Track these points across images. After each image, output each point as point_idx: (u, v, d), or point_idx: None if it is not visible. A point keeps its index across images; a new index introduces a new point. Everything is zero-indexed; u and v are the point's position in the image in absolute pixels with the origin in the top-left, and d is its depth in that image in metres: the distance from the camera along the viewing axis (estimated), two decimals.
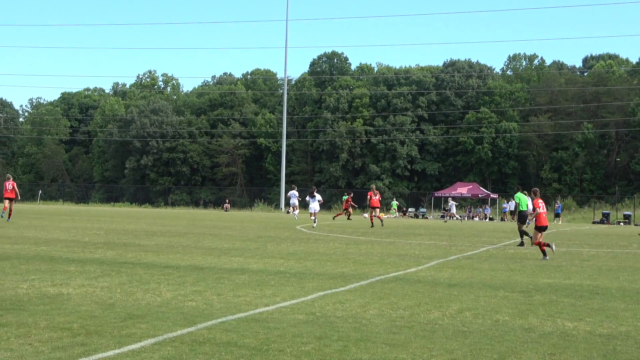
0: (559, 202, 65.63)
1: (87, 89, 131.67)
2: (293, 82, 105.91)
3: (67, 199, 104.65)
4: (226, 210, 78.10)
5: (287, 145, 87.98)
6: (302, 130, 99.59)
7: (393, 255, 18.23)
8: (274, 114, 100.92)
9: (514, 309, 9.79)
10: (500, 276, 14.06)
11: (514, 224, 52.22)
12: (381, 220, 38.88)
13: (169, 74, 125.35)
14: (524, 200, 25.13)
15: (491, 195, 73.41)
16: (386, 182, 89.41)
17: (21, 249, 17.09)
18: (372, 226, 36.09)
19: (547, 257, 18.57)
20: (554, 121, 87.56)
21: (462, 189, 72.66)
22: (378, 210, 37.48)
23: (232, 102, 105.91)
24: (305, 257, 16.94)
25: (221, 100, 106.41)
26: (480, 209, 73.33)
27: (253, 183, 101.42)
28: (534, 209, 19.69)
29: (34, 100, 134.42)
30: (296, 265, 14.97)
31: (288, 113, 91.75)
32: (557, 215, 62.29)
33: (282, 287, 11.39)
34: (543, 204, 19.76)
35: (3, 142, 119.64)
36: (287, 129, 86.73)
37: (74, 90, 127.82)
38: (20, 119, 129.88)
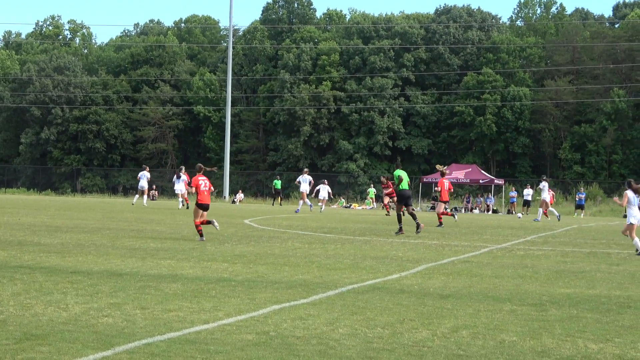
0: (581, 190, 66.33)
1: None
2: (240, 33, 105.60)
3: None
4: (153, 199, 77.79)
5: (232, 115, 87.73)
6: (253, 96, 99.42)
7: (369, 258, 18.29)
8: (215, 74, 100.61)
9: (523, 327, 9.88)
10: (507, 285, 14.18)
11: (524, 218, 52.62)
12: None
13: (78, 21, 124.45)
14: (406, 178, 28.48)
15: (495, 181, 73.87)
16: (361, 163, 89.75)
17: None
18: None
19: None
20: (575, 86, 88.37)
21: (459, 173, 72.97)
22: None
23: (160, 58, 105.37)
24: (256, 260, 16.94)
25: (147, 56, 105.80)
26: (481, 199, 73.88)
27: (188, 164, 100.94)
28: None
29: None
30: (244, 271, 14.96)
31: (234, 73, 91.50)
32: (579, 207, 62.91)
33: (225, 298, 11.38)
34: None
35: None
36: (232, 93, 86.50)
37: None
38: None
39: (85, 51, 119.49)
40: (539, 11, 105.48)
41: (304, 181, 48.07)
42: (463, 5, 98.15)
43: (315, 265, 16.41)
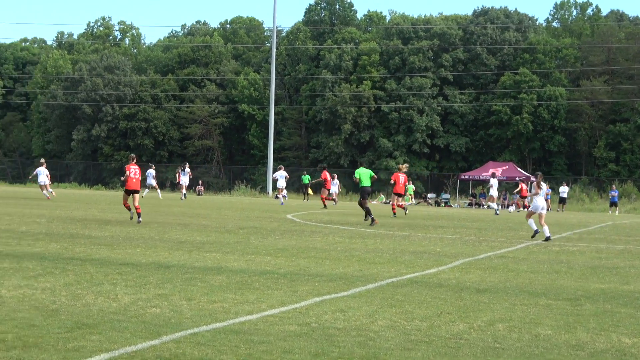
0: (614, 187, 65.73)
1: (25, 40, 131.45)
2: (284, 34, 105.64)
3: None
4: (199, 194, 78.10)
5: (276, 114, 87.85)
6: (295, 95, 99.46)
7: (408, 253, 18.27)
8: (259, 73, 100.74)
9: (558, 321, 9.82)
10: (542, 280, 14.10)
11: (560, 215, 52.25)
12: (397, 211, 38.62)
13: (128, 22, 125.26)
14: (366, 175, 31.59)
15: (531, 179, 73.39)
16: (400, 160, 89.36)
17: None
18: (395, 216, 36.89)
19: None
20: (611, 86, 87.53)
21: (496, 170, 72.58)
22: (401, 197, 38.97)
23: (207, 58, 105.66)
24: (298, 254, 16.97)
25: (193, 56, 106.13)
26: (518, 196, 73.36)
27: (233, 160, 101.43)
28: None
29: None
30: (286, 264, 15.00)
31: (277, 73, 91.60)
32: (613, 204, 62.41)
33: (268, 290, 11.42)
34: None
35: None
36: (276, 93, 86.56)
37: (8, 42, 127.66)
38: None
39: (135, 51, 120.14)
40: (574, 13, 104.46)
41: (281, 177, 51.80)
42: (500, 7, 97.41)
43: (355, 259, 16.42)
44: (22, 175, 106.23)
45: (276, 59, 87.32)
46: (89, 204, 40.25)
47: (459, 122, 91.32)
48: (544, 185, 24.78)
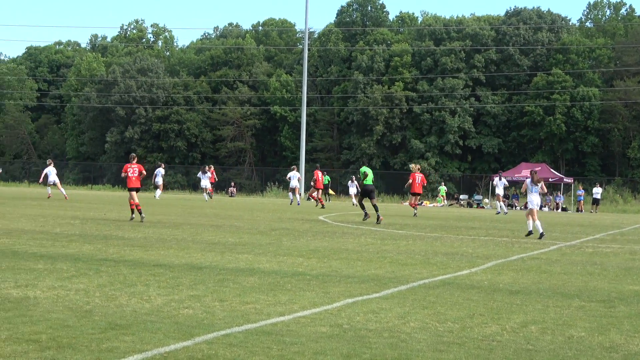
0: None
1: (59, 43, 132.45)
2: (316, 36, 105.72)
3: (33, 179, 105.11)
4: (231, 196, 78.33)
5: (308, 115, 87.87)
6: (327, 97, 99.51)
7: (440, 254, 18.23)
8: (291, 75, 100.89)
9: (591, 323, 9.76)
10: (575, 281, 14.02)
11: (593, 216, 51.89)
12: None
13: (161, 25, 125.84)
14: (371, 174, 31.75)
15: (565, 180, 73.03)
16: (432, 161, 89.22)
17: None
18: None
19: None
20: None
21: (528, 171, 72.26)
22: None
23: (239, 60, 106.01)
24: (330, 255, 16.98)
25: (225, 58, 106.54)
26: (551, 197, 73.00)
27: (265, 162, 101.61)
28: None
29: None
30: (318, 265, 15.01)
31: (309, 74, 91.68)
32: None
33: (300, 292, 11.43)
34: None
35: None
36: (308, 94, 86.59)
37: (42, 45, 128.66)
38: None
39: (168, 53, 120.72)
40: (608, 13, 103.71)
41: (293, 177, 52.87)
42: (533, 7, 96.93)
43: (387, 260, 16.40)
44: (57, 177, 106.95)
45: (308, 61, 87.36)
46: (122, 206, 40.42)
47: (491, 123, 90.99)
48: (539, 183, 25.31)
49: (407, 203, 67.35)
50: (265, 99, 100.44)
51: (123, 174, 28.02)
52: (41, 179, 49.81)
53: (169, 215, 31.56)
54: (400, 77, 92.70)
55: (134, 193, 27.51)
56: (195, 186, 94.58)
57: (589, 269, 16.07)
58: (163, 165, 57.99)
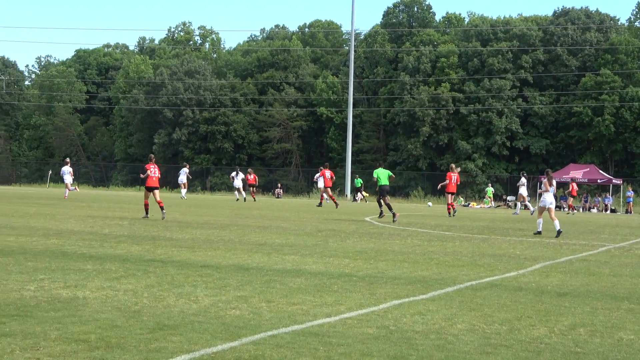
0: None
1: (107, 46, 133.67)
2: (362, 37, 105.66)
3: (82, 181, 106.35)
4: (278, 197, 78.56)
5: (354, 117, 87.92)
6: (373, 98, 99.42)
7: (487, 256, 18.13)
8: (337, 76, 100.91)
9: None
10: (625, 283, 13.88)
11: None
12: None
13: (208, 27, 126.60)
14: (384, 175, 33.44)
15: (613, 181, 72.35)
16: (479, 162, 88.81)
17: (27, 243, 17.44)
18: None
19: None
20: None
21: (577, 173, 71.74)
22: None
23: (285, 62, 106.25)
24: (377, 257, 16.95)
25: (272, 60, 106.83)
26: (600, 198, 72.35)
27: (311, 163, 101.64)
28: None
29: (42, 59, 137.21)
30: (365, 267, 15.00)
31: (355, 76, 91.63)
32: None
33: (347, 293, 11.43)
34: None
35: (5, 110, 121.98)
36: (354, 95, 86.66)
37: (91, 47, 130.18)
38: (26, 82, 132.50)
39: (215, 55, 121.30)
40: None
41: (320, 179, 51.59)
42: (581, 7, 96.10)
43: (434, 262, 16.35)
44: (105, 178, 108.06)
45: (354, 62, 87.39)
46: (170, 207, 40.66)
47: (539, 124, 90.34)
48: (554, 183, 26.67)
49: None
50: (312, 100, 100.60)
51: (142, 175, 29.08)
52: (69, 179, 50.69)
53: (216, 217, 31.71)
54: (447, 78, 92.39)
55: (157, 192, 28.74)
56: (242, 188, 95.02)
57: (639, 271, 15.91)
58: (187, 166, 60.06)
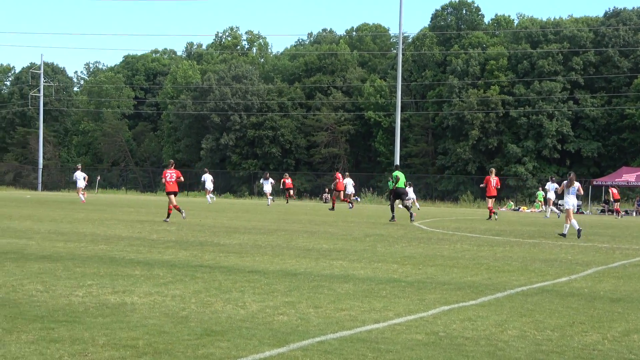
0: None
1: (155, 51, 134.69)
2: (410, 40, 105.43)
3: (130, 186, 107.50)
4: (325, 202, 78.58)
5: (402, 120, 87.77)
6: (422, 101, 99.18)
7: (538, 261, 17.99)
8: (385, 80, 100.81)
9: None
10: None
11: None
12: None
13: (255, 32, 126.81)
14: (403, 178, 34.67)
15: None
16: (529, 166, 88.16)
17: (76, 248, 17.63)
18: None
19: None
20: None
21: (629, 176, 70.98)
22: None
23: (333, 66, 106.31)
24: (426, 262, 16.91)
25: (319, 64, 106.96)
26: (612, 200, 71.46)
27: (359, 167, 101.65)
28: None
29: (91, 66, 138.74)
30: (414, 272, 14.96)
31: (404, 79, 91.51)
32: None
33: (395, 299, 11.40)
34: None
35: (54, 116, 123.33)
36: (402, 99, 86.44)
37: (139, 53, 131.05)
38: (75, 89, 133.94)
39: (262, 60, 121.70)
40: None
41: (349, 184, 55.42)
42: (633, 8, 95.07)
43: (483, 267, 16.26)
44: (153, 184, 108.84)
45: (402, 66, 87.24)
46: (217, 212, 40.98)
47: (590, 127, 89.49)
48: (576, 184, 27.55)
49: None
50: (359, 104, 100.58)
51: (163, 180, 30.96)
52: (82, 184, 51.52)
53: (263, 222, 31.81)
54: (496, 81, 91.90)
55: (172, 197, 30.10)
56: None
57: None
58: (208, 171, 62.43)
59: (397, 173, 34.92)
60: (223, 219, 33.49)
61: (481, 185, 42.63)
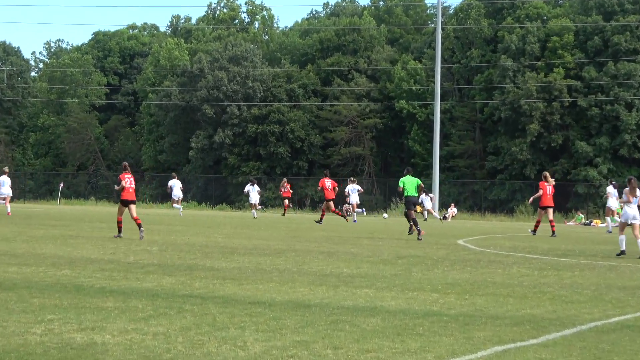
0: None
1: (133, 27, 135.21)
2: (451, 12, 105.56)
3: (102, 196, 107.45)
4: (348, 214, 78.63)
5: (442, 112, 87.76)
6: (467, 88, 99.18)
7: (616, 289, 17.96)
8: (421, 62, 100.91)
9: None
10: None
11: None
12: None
13: (257, 2, 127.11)
14: (412, 184, 35.25)
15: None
16: (603, 169, 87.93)
17: (33, 274, 17.66)
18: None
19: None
20: None
21: None
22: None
23: (355, 44, 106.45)
24: (473, 290, 16.90)
25: (338, 42, 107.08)
26: None
27: (389, 172, 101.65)
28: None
29: (52, 45, 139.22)
30: (458, 303, 14.95)
31: (444, 61, 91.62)
32: None
33: (435, 337, 11.39)
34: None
35: (6, 109, 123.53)
36: (442, 85, 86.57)
37: (113, 29, 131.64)
38: (32, 74, 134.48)
39: (266, 37, 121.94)
40: None
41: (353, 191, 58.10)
42: None
43: (547, 296, 16.25)
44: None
45: (442, 43, 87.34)
46: (210, 228, 41.04)
47: None
48: (638, 193, 27.55)
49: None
50: (388, 92, 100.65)
51: (117, 187, 31.19)
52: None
53: (269, 240, 31.86)
54: (560, 62, 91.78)
55: (133, 207, 30.69)
56: (302, 203, 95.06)
57: None
58: (176, 177, 62.46)
59: (405, 179, 35.59)
60: (218, 236, 33.53)
61: (533, 196, 43.04)
